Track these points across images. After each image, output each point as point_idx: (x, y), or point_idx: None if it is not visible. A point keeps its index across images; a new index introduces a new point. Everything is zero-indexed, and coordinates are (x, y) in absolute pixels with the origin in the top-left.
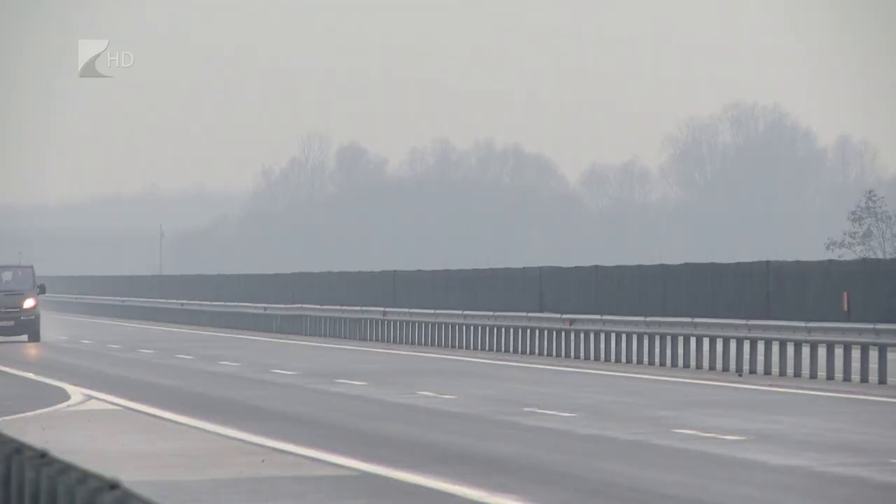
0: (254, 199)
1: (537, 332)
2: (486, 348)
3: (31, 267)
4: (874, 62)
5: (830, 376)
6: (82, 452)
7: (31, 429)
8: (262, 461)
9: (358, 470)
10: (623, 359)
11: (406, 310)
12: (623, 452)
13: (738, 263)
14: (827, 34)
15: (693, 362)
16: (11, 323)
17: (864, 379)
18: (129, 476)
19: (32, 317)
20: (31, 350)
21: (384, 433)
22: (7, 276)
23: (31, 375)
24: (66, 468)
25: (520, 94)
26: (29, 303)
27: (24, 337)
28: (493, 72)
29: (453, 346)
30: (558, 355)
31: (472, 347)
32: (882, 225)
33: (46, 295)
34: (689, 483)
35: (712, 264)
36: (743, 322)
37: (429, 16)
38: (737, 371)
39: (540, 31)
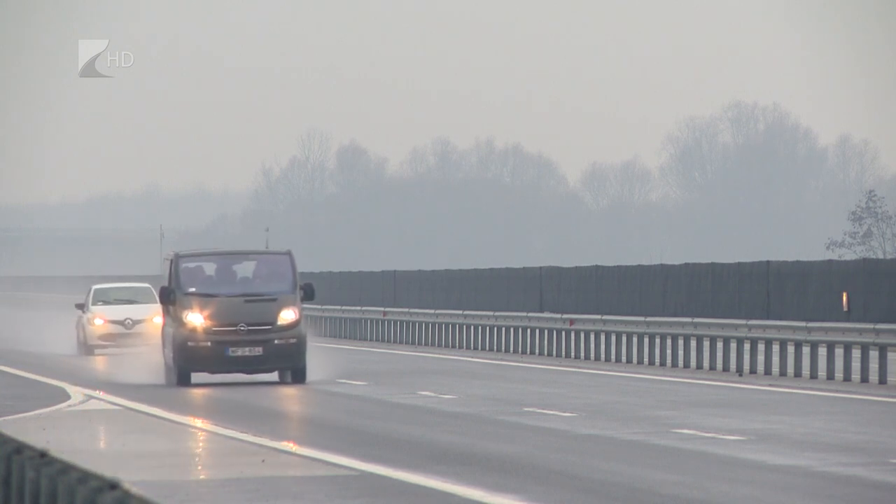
0: (254, 198)
1: (537, 332)
2: (486, 348)
3: (289, 253)
4: (874, 62)
5: (830, 376)
6: (82, 452)
7: (31, 429)
8: (262, 461)
9: (358, 470)
10: (623, 359)
11: (406, 310)
12: (623, 452)
13: (738, 263)
14: (827, 34)
15: (693, 362)
16: (259, 350)
17: (865, 379)
18: (129, 476)
19: (293, 340)
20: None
21: (384, 433)
22: (247, 269)
23: (31, 375)
24: (66, 468)
25: (520, 94)
26: (288, 315)
27: (277, 374)
28: (493, 72)
29: (453, 346)
30: (558, 355)
31: (472, 347)
32: (882, 225)
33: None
34: (689, 483)
35: (712, 264)
36: (743, 322)
37: (429, 18)
38: (737, 371)
39: (540, 31)
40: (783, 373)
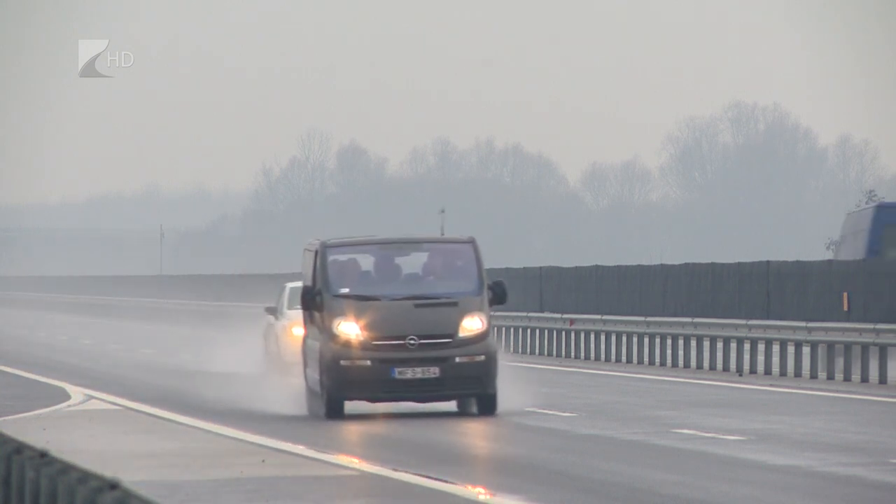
0: (254, 198)
1: (537, 332)
2: None
3: (472, 241)
4: (874, 62)
5: (830, 376)
6: (82, 452)
7: (31, 429)
8: (263, 461)
9: (358, 470)
10: (623, 359)
11: None
12: (623, 452)
13: (738, 263)
14: (827, 34)
15: (693, 362)
16: (434, 372)
17: (865, 379)
18: (129, 476)
19: (480, 357)
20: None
21: (385, 433)
22: (416, 262)
23: (31, 375)
24: (66, 468)
25: (520, 94)
26: (473, 324)
27: (456, 403)
28: (493, 72)
29: None
30: (558, 355)
31: None
32: None
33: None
34: (689, 483)
35: (712, 264)
36: (743, 322)
37: (429, 18)
38: (737, 371)
39: (540, 31)
40: (783, 373)
